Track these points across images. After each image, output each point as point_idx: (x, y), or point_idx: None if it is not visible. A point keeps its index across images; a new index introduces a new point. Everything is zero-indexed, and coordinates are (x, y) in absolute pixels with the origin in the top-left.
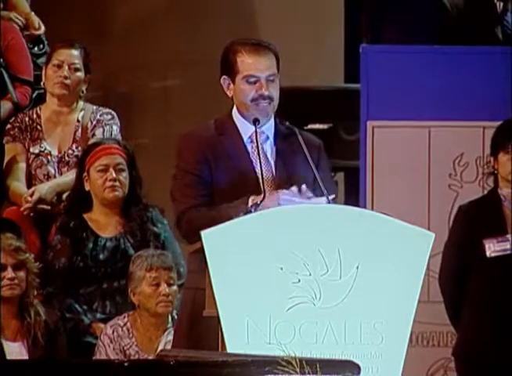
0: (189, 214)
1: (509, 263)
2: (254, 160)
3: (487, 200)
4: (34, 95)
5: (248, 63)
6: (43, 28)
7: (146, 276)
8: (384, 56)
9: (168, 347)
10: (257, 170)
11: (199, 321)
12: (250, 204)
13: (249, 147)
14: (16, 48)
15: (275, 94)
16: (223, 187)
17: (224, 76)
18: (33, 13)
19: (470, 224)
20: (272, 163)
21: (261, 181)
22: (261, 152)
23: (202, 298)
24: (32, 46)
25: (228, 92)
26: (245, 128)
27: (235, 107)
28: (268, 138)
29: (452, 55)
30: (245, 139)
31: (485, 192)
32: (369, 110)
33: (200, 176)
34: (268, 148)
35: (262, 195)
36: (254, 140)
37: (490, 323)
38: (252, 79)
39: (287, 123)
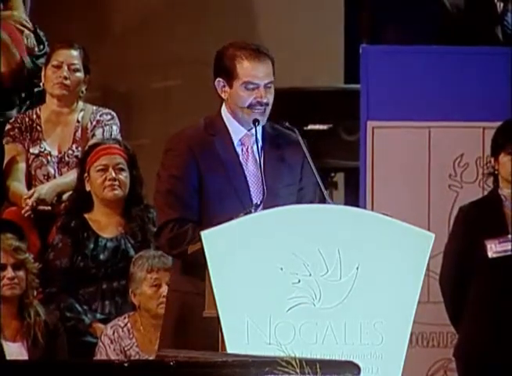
0: (167, 229)
1: (509, 264)
2: (243, 163)
3: (487, 201)
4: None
5: (248, 69)
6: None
7: (147, 278)
8: (384, 56)
9: None
10: (247, 173)
11: (191, 323)
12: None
13: (238, 150)
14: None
15: (271, 101)
16: (212, 189)
17: (219, 78)
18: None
19: (471, 225)
20: (262, 165)
21: (260, 181)
22: (251, 155)
23: (192, 301)
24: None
25: (222, 94)
26: (236, 131)
27: (224, 107)
28: (257, 140)
29: (452, 55)
30: (235, 141)
31: (485, 192)
32: (369, 110)
33: (185, 181)
34: (257, 150)
35: (262, 196)
36: (245, 143)
37: (491, 324)
38: (251, 86)
39: (287, 123)
